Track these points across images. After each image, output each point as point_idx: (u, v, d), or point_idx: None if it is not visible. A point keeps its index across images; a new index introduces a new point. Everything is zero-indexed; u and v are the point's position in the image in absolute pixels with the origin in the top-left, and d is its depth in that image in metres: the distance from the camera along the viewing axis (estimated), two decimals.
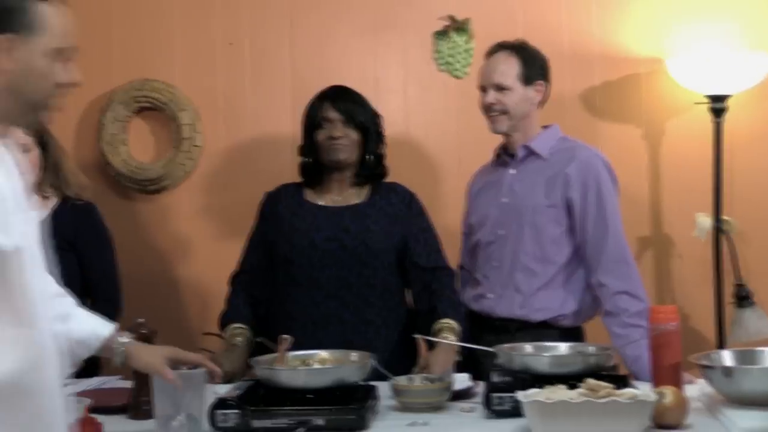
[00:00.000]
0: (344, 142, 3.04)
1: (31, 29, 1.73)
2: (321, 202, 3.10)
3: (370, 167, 3.10)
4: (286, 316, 3.02)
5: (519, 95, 3.06)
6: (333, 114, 3.05)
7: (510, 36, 3.20)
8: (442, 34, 3.88)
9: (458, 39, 3.87)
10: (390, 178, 3.18)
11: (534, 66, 3.09)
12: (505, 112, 3.06)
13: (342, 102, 3.07)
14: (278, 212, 3.11)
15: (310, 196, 3.13)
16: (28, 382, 1.68)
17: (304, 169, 3.15)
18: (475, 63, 3.75)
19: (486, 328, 3.07)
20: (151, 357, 2.21)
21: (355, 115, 3.05)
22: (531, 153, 3.10)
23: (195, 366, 2.26)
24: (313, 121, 3.08)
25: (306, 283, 3.00)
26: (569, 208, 3.02)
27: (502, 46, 3.11)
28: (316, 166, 3.11)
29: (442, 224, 3.34)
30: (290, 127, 3.79)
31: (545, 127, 3.15)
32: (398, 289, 3.10)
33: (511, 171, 3.13)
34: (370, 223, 3.04)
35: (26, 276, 1.71)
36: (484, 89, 3.10)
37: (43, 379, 1.72)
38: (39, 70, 1.75)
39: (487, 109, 3.08)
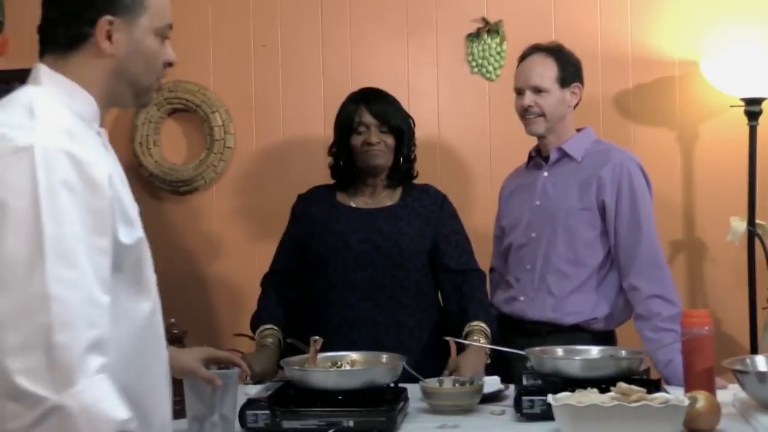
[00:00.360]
0: (381, 147, 3.03)
1: (134, 9, 1.71)
2: (353, 204, 3.10)
3: (402, 170, 3.10)
4: (320, 318, 3.02)
5: (556, 98, 3.04)
6: (369, 119, 3.03)
7: (543, 38, 3.18)
8: (474, 37, 3.88)
9: (490, 41, 3.87)
10: (421, 180, 3.18)
11: (570, 68, 3.07)
12: (542, 115, 3.04)
13: (377, 105, 3.06)
14: (311, 214, 3.11)
15: (343, 198, 3.13)
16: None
17: (336, 171, 3.15)
18: (508, 65, 3.74)
19: (518, 332, 3.06)
20: (185, 362, 2.17)
21: (390, 119, 3.04)
22: (564, 155, 3.09)
23: (227, 365, 2.26)
24: (348, 124, 3.06)
25: (340, 284, 3.00)
26: (603, 212, 3.00)
27: (537, 48, 3.09)
28: (348, 168, 3.11)
29: (473, 227, 3.34)
30: (322, 128, 3.80)
31: (579, 129, 3.13)
32: (431, 291, 3.09)
33: (545, 173, 3.11)
34: (402, 224, 3.04)
35: (148, 263, 1.75)
36: (520, 92, 3.08)
37: (159, 371, 1.79)
38: (145, 51, 1.74)
39: (524, 112, 3.06)
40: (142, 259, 1.71)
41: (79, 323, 1.46)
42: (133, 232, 1.66)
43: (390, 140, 3.04)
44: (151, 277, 1.75)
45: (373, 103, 3.06)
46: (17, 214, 1.48)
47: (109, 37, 1.69)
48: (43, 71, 1.69)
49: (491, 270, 3.29)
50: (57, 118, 1.61)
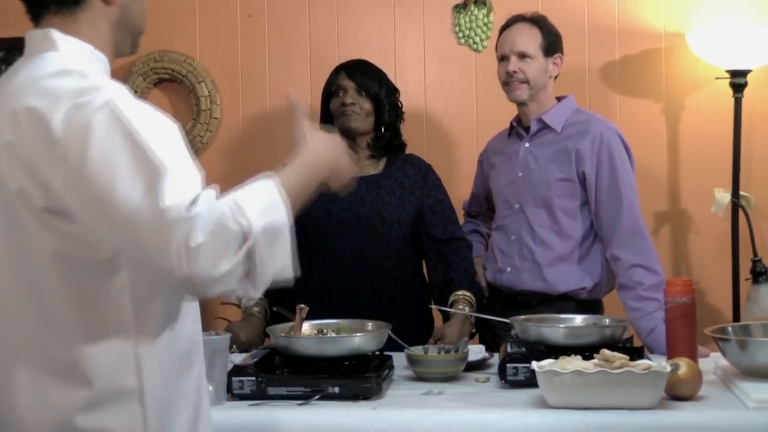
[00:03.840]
0: (355, 110, 3.04)
1: None
2: None
3: (384, 140, 3.10)
4: (301, 286, 3.00)
5: (540, 65, 3.05)
6: (346, 82, 3.07)
7: (529, 9, 3.19)
8: (461, 7, 3.87)
9: (477, 12, 3.86)
10: (408, 150, 3.19)
11: (553, 38, 3.09)
12: (525, 81, 3.04)
13: (357, 72, 3.09)
14: None
15: None
16: None
17: None
18: (494, 37, 3.71)
19: (507, 304, 3.07)
20: None
21: (368, 86, 3.06)
22: (545, 126, 3.09)
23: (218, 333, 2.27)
24: (328, 88, 3.11)
25: (322, 253, 3.01)
26: (583, 183, 3.01)
27: (521, 18, 3.10)
28: None
29: (458, 197, 3.35)
30: (308, 99, 3.78)
31: (560, 98, 3.14)
32: (413, 261, 3.10)
33: (526, 144, 3.12)
34: (385, 194, 3.05)
35: None
36: (503, 58, 3.08)
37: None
38: None
39: (508, 78, 3.06)
40: None
41: None
42: None
43: (367, 105, 3.06)
44: None
45: (355, 71, 3.10)
46: (123, 156, 1.54)
47: None
48: (57, 36, 1.69)
49: (469, 231, 3.29)
50: (107, 79, 1.65)
